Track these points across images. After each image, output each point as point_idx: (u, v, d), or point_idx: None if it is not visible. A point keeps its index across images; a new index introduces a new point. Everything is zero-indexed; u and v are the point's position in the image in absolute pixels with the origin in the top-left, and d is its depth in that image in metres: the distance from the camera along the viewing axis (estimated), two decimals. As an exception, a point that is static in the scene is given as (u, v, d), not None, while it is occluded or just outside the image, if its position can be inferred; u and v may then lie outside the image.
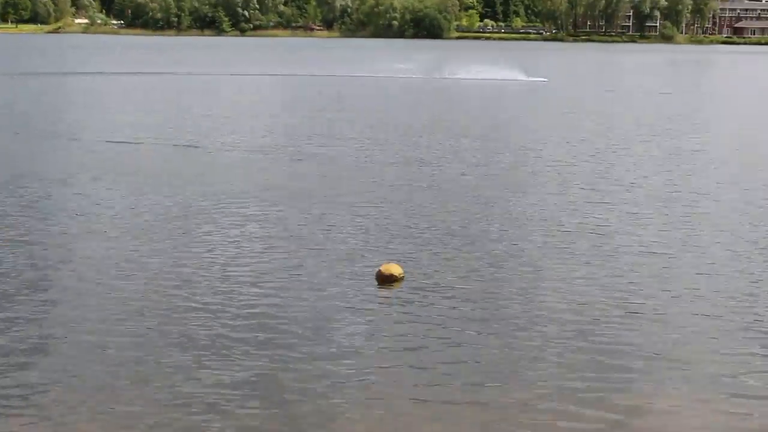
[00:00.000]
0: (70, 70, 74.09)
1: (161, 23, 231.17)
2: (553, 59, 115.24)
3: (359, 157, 27.02)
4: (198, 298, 12.96)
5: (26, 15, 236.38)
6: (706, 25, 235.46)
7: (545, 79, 67.31)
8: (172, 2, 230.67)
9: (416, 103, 49.41)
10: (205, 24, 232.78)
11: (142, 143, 29.83)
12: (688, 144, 31.70)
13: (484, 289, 13.58)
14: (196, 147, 29.03)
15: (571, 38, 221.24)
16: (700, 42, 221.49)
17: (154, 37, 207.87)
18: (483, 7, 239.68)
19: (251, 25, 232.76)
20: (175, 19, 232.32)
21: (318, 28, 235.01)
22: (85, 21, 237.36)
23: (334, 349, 11.05)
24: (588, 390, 9.97)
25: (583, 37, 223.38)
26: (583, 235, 17.07)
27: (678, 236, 17.20)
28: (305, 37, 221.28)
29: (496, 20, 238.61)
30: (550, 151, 29.11)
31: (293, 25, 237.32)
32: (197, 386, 9.94)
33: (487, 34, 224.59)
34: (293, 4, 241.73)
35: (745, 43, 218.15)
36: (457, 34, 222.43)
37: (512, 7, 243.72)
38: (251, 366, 10.50)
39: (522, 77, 67.77)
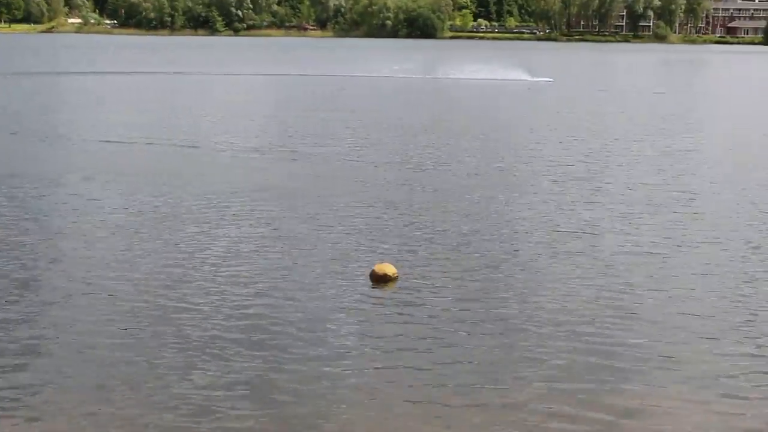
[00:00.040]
0: (63, 70, 73.90)
1: (154, 23, 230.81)
2: (553, 59, 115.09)
3: (353, 157, 26.97)
4: (190, 298, 12.89)
5: (19, 15, 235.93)
6: (700, 25, 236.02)
7: (551, 79, 66.90)
8: (165, 2, 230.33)
9: (416, 103, 49.34)
10: (199, 24, 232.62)
11: (135, 143, 29.74)
12: (681, 143, 31.71)
13: (478, 289, 13.54)
14: (189, 147, 28.95)
15: (564, 38, 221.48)
16: (693, 42, 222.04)
17: (148, 36, 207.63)
18: (476, 7, 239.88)
19: (245, 25, 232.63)
20: (169, 19, 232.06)
21: (311, 27, 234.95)
22: (79, 21, 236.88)
23: (327, 350, 11.00)
24: (583, 391, 9.94)
25: (577, 37, 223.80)
26: (576, 236, 17.05)
27: (672, 236, 17.17)
28: (299, 36, 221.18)
29: (489, 20, 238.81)
30: (547, 151, 29.07)
31: (287, 24, 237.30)
32: (190, 387, 9.88)
33: (481, 34, 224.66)
34: (287, 3, 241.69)
35: (738, 43, 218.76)
36: (450, 34, 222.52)
37: (506, 7, 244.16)
38: (244, 367, 10.43)
39: (526, 77, 67.18)
